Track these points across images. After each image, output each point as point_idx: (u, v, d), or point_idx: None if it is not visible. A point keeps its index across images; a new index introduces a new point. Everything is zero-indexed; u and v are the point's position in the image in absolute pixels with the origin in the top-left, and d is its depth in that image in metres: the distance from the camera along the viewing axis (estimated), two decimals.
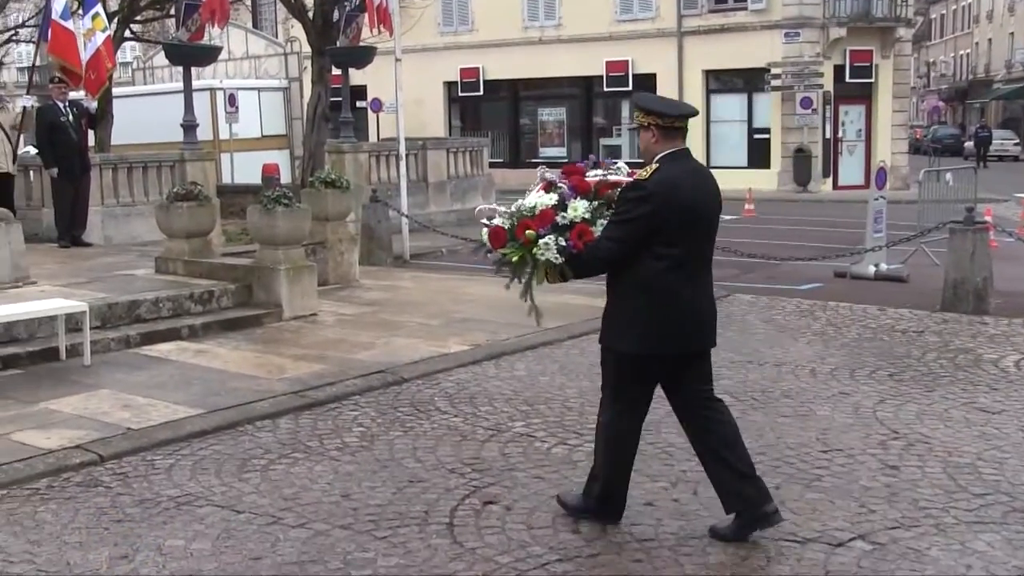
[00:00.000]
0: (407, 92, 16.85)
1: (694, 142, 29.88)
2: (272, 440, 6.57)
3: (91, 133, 15.33)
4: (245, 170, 24.93)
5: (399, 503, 5.45)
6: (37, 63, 15.68)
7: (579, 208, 4.83)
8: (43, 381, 7.89)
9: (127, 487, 5.74)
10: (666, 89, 30.14)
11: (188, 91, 15.31)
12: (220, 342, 9.27)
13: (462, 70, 33.50)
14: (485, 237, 4.97)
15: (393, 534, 5.05)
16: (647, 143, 4.86)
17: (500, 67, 32.69)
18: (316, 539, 5.01)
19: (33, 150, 15.21)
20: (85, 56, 13.70)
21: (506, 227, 4.91)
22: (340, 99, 17.67)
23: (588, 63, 30.95)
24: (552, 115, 33.20)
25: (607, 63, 30.88)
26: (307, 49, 22.01)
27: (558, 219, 4.82)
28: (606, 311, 4.97)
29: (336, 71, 18.71)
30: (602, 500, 5.13)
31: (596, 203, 4.89)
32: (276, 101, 30.10)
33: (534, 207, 4.86)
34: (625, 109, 32.01)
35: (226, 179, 24.60)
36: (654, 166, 4.78)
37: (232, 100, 26.30)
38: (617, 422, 5.04)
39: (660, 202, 4.67)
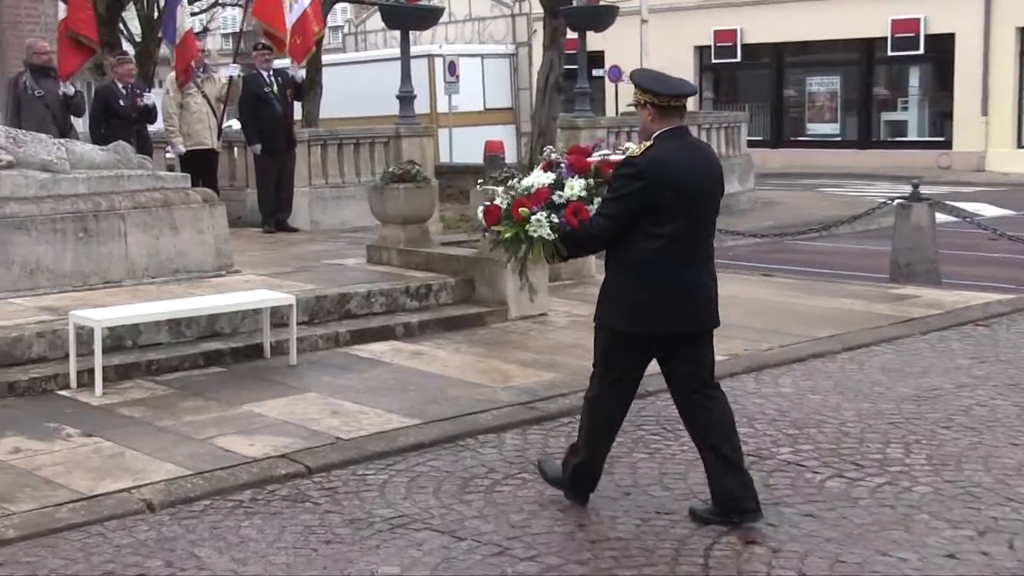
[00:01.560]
0: (652, 58, 16.83)
1: (1002, 117, 28.75)
2: (497, 457, 6.66)
3: (297, 105, 15.96)
4: (465, 148, 25.50)
5: (645, 537, 5.41)
6: (244, 28, 16.44)
7: (575, 187, 5.55)
8: (246, 381, 8.28)
9: (336, 504, 5.92)
10: (968, 53, 28.92)
11: (405, 58, 15.70)
12: (438, 343, 9.48)
13: (716, 33, 33.16)
14: (480, 215, 5.78)
15: (638, 574, 5.02)
16: (644, 121, 5.55)
17: (762, 29, 32.16)
18: (548, 575, 5.03)
19: (237, 124, 16.00)
20: (290, 19, 14.28)
21: (503, 206, 5.66)
22: (575, 67, 17.75)
23: (869, 23, 30.04)
24: (823, 85, 32.43)
25: (893, 22, 29.88)
26: (538, 9, 22.27)
27: (554, 198, 5.55)
28: (601, 289, 5.68)
29: (571, 34, 18.83)
30: (575, 476, 5.80)
31: (594, 182, 5.58)
32: (501, 69, 30.66)
33: (531, 186, 5.63)
34: (914, 77, 30.92)
35: (444, 158, 25.20)
36: (648, 143, 5.45)
37: (452, 68, 26.92)
38: (605, 396, 5.72)
39: (651, 179, 5.34)
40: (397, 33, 17.31)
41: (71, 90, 12.93)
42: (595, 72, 30.23)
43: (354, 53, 36.62)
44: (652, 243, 5.40)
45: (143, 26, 23.71)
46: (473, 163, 21.84)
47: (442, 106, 27.28)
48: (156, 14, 22.40)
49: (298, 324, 8.99)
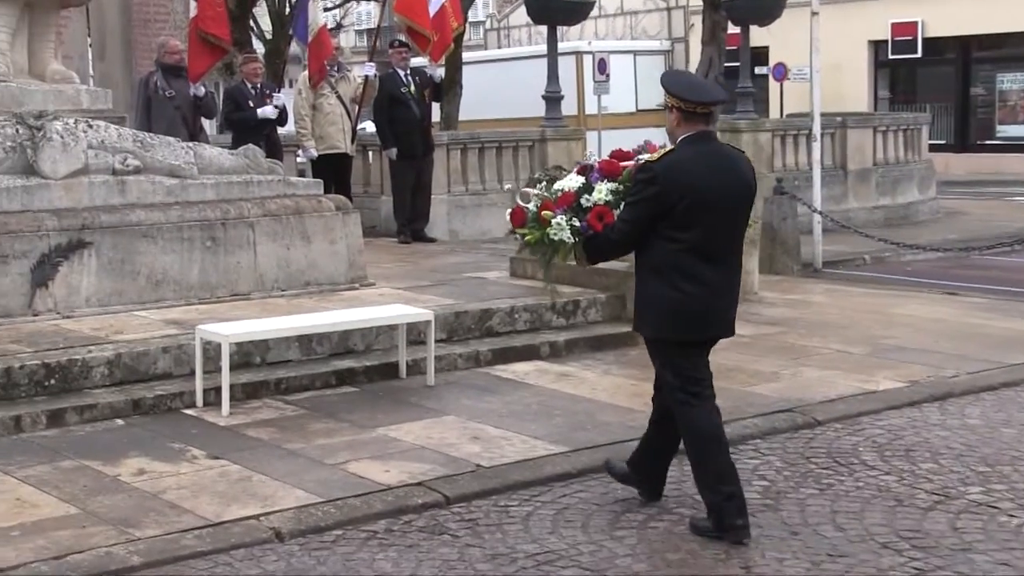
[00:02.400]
0: (822, 55, 16.57)
1: None
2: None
3: (436, 107, 16.12)
4: None
5: None
6: (380, 24, 16.64)
7: (603, 190, 6.01)
8: (381, 402, 8.37)
9: (477, 537, 5.94)
10: None
11: (552, 55, 15.83)
12: (587, 364, 9.47)
13: (894, 25, 32.60)
14: (508, 217, 6.36)
15: None
16: (670, 125, 5.94)
17: (946, 21, 31.51)
18: None
19: (371, 127, 16.21)
20: (431, 13, 14.39)
21: (532, 208, 6.19)
22: (737, 64, 17.63)
23: None
24: (1016, 82, 31.65)
25: None
26: (696, 2, 22.16)
27: (582, 201, 6.04)
28: (635, 296, 6.12)
29: (733, 28, 18.70)
30: (727, 512, 5.77)
31: (623, 187, 5.99)
32: (656, 67, 30.48)
33: (561, 189, 6.14)
34: None
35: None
36: (668, 148, 5.89)
37: (602, 66, 26.92)
38: (695, 413, 5.93)
39: (665, 183, 5.73)
40: (543, 29, 17.45)
41: (201, 91, 13.28)
42: (758, 70, 29.96)
43: (496, 50, 36.94)
44: (672, 246, 5.82)
45: (274, 23, 24.20)
46: None
47: (591, 107, 27.28)
48: (288, 9, 22.88)
49: (436, 342, 9.04)
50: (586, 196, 6.05)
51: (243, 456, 7.10)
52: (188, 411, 8.10)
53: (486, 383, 8.89)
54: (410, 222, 14.64)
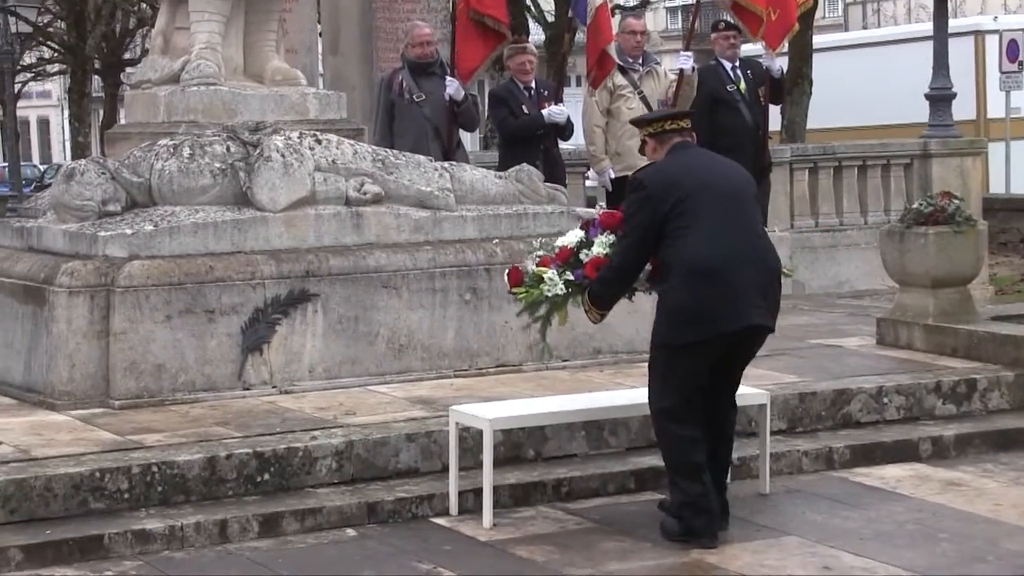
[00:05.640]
0: None
1: None
2: None
3: (775, 110, 16.03)
4: None
5: None
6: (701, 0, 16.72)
7: (602, 243, 7.79)
8: None
9: None
10: None
11: (941, 37, 15.59)
12: (986, 469, 9.32)
13: None
14: (506, 278, 8.25)
15: None
16: (649, 155, 8.06)
17: None
18: None
19: None
20: None
21: (531, 267, 7.99)
22: None
23: None
24: None
25: None
26: None
27: (581, 256, 7.82)
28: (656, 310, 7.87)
29: None
30: (683, 507, 7.68)
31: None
32: None
33: (560, 245, 7.95)
34: None
35: (997, 187, 24.66)
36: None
37: (1013, 50, 26.35)
38: (670, 420, 7.69)
39: (653, 185, 7.67)
40: (927, 1, 17.23)
41: (460, 94, 13.34)
42: None
43: (861, 32, 36.61)
44: (676, 244, 7.54)
45: (557, 3, 24.46)
46: None
47: (995, 108, 26.72)
48: None
49: (773, 433, 9.04)
50: (585, 251, 7.84)
51: None
52: (438, 520, 8.29)
53: (842, 492, 8.83)
54: None
